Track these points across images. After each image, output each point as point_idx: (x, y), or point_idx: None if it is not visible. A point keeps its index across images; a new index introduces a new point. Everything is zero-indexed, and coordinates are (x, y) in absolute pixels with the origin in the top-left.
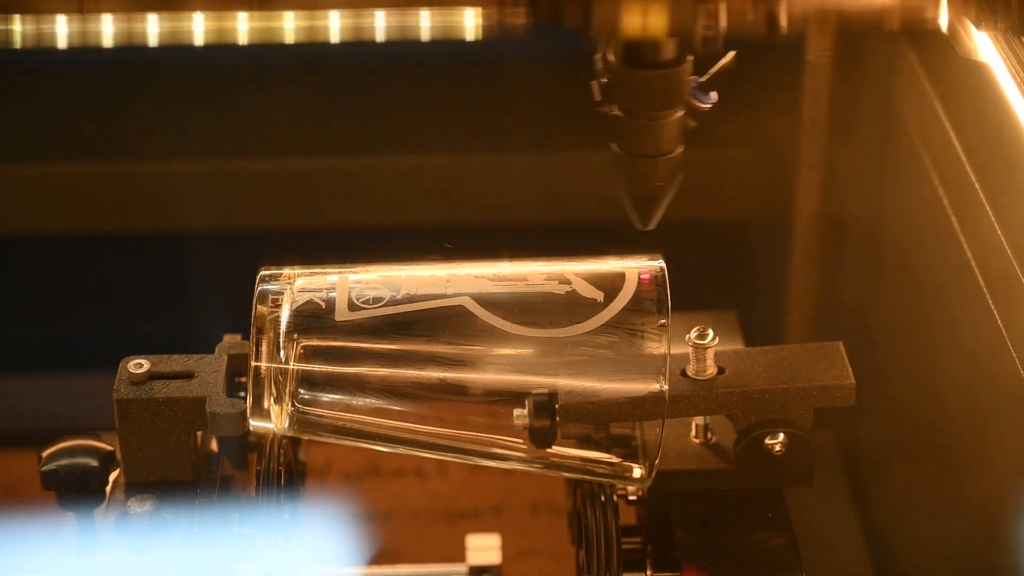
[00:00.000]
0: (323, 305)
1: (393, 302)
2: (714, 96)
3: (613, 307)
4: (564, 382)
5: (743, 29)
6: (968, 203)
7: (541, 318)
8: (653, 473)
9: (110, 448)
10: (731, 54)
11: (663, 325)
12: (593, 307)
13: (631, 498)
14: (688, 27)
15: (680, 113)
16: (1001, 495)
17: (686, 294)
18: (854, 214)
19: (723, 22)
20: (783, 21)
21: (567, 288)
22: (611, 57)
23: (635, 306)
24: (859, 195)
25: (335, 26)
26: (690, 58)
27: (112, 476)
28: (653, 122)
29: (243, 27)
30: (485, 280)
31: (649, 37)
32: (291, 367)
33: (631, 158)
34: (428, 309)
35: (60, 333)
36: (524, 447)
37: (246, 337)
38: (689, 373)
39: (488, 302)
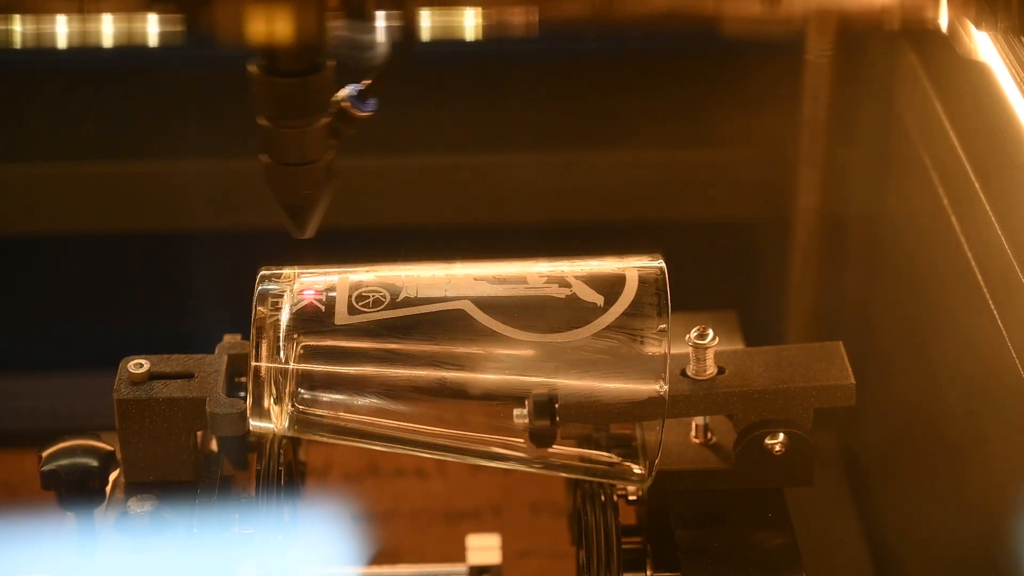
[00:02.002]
0: (323, 308)
1: (393, 305)
2: (373, 104)
3: (613, 311)
4: (564, 383)
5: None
6: (968, 203)
7: (541, 322)
8: (653, 473)
9: (110, 448)
10: (394, 63)
11: (663, 330)
12: (593, 311)
13: (631, 498)
14: (316, 33)
15: (325, 120)
16: (1001, 495)
17: (686, 294)
18: (854, 214)
19: (373, 27)
20: (418, 30)
21: (567, 292)
22: (251, 66)
23: (635, 310)
24: (859, 195)
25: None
26: (331, 64)
27: (112, 476)
28: (295, 131)
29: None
30: (485, 283)
31: (276, 45)
32: (291, 367)
33: (279, 167)
34: (428, 313)
35: (60, 333)
36: (524, 447)
37: (246, 337)
38: (689, 373)
39: (488, 306)
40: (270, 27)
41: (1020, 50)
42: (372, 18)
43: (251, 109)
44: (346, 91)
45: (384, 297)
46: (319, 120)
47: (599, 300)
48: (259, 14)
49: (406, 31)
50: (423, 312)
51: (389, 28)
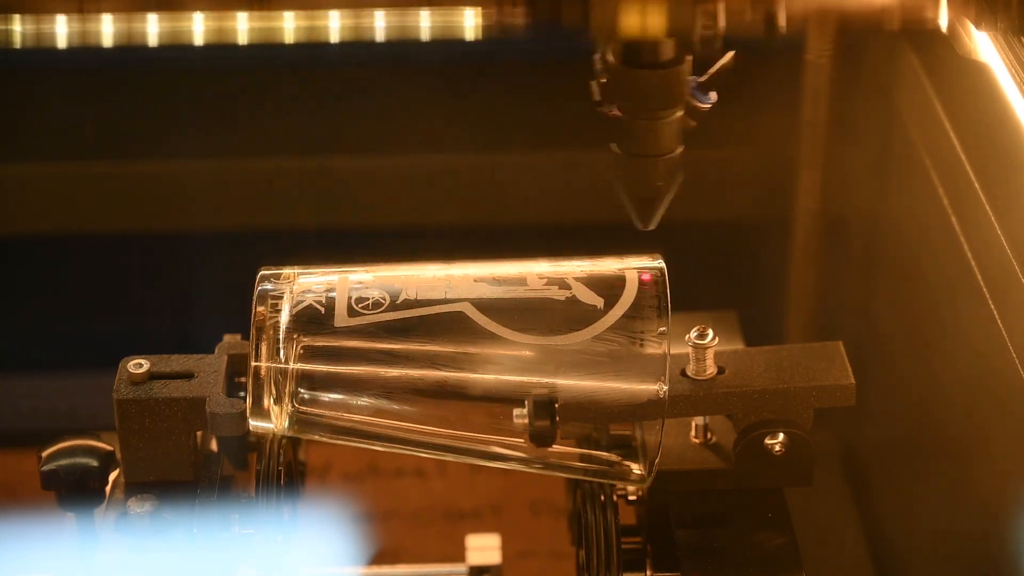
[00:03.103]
0: (323, 310)
1: (393, 307)
2: (713, 96)
3: (613, 314)
4: (564, 383)
5: (742, 29)
6: (968, 203)
7: (541, 325)
8: (653, 473)
9: (110, 448)
10: (730, 54)
11: (663, 332)
12: (593, 313)
13: (631, 498)
14: (687, 27)
15: (679, 113)
16: (1001, 495)
17: (686, 294)
18: (854, 214)
19: (722, 22)
20: (782, 21)
21: (567, 294)
22: (610, 57)
23: (635, 313)
24: (859, 195)
25: (335, 26)
26: (689, 58)
27: (112, 476)
28: (653, 122)
29: (243, 27)
30: (485, 284)
31: (648, 37)
32: (291, 367)
33: (631, 158)
34: (428, 315)
35: (60, 333)
36: (524, 447)
37: (246, 337)
38: (689, 373)
39: (488, 308)
40: (644, 19)
41: (1020, 50)
42: (722, 12)
43: (603, 100)
44: (690, 83)
45: (384, 299)
46: (675, 112)
47: (599, 302)
48: (635, 6)
49: (768, 23)
50: (423, 314)
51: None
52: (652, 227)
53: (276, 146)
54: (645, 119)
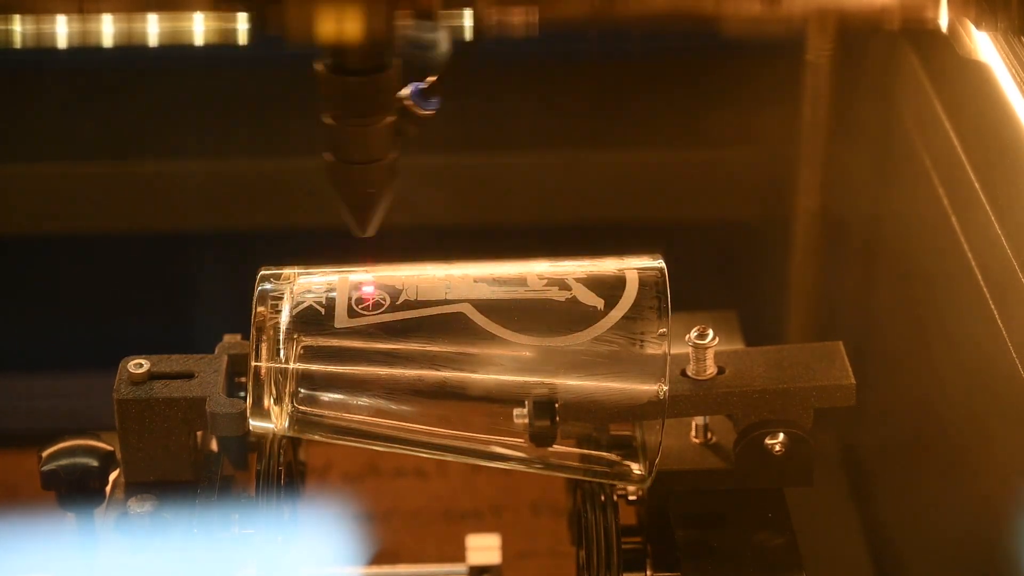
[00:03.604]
0: (323, 311)
1: (392, 308)
2: (436, 102)
3: (613, 315)
4: (564, 384)
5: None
6: (968, 203)
7: (541, 326)
8: (653, 473)
9: (110, 448)
10: (440, 70)
11: (663, 334)
12: (593, 315)
13: (631, 498)
14: (385, 32)
15: (390, 119)
16: (1001, 495)
17: (686, 294)
18: (854, 214)
19: (437, 25)
20: (489, 27)
21: (567, 295)
22: (318, 64)
23: (635, 313)
24: (859, 195)
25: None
26: (396, 62)
27: (112, 476)
28: (361, 129)
29: (243, 27)
30: (485, 285)
31: (345, 43)
32: (291, 367)
33: (342, 165)
34: (428, 316)
35: (60, 333)
36: (524, 447)
37: (246, 337)
38: (689, 373)
39: (488, 309)
40: (340, 25)
41: (1020, 50)
42: (438, 17)
43: (317, 107)
44: (408, 90)
45: (384, 300)
46: (384, 119)
47: (599, 303)
48: (330, 13)
49: (476, 29)
50: (423, 315)
51: (451, 27)
52: (370, 234)
53: (276, 146)
54: (352, 126)
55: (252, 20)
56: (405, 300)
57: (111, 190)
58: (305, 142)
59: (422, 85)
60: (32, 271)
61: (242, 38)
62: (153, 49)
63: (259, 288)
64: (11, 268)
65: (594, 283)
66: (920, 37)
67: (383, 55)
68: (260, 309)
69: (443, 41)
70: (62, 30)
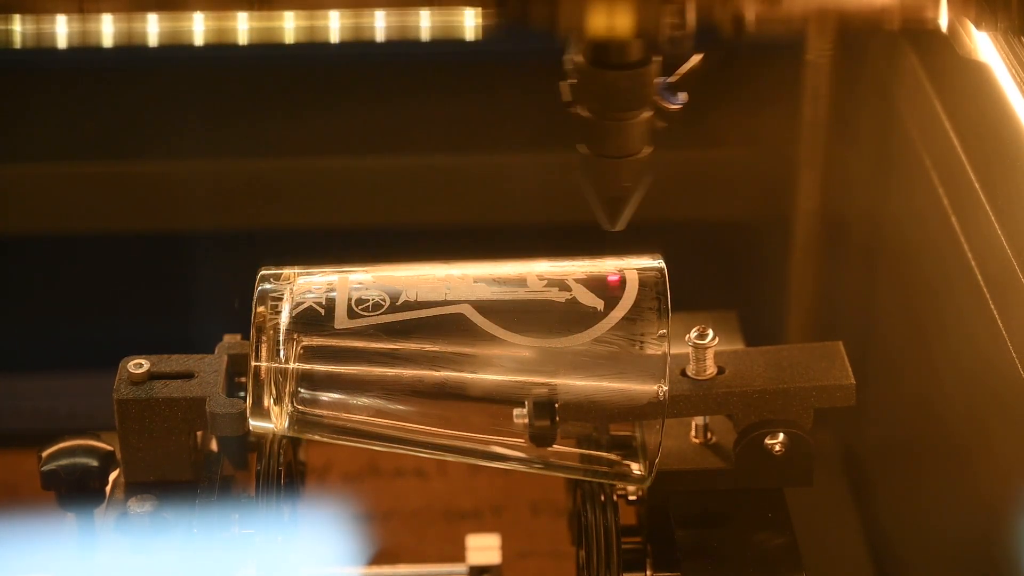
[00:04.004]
0: (323, 312)
1: (392, 309)
2: (683, 97)
3: (613, 316)
4: (564, 384)
5: (711, 29)
6: (968, 203)
7: (541, 327)
8: (653, 473)
9: (110, 448)
10: (698, 56)
11: (663, 335)
12: (593, 316)
13: (631, 498)
14: (653, 28)
15: (647, 114)
16: (1001, 495)
17: (686, 294)
18: (854, 214)
19: (691, 22)
20: (750, 21)
21: (567, 295)
22: (578, 57)
23: (635, 314)
24: (859, 195)
25: (335, 26)
26: (657, 59)
27: (112, 476)
28: (620, 123)
29: (243, 27)
30: (485, 286)
31: (615, 37)
32: (291, 367)
33: (598, 159)
34: (428, 317)
35: (60, 333)
36: (524, 447)
37: (246, 337)
38: (689, 373)
39: (488, 310)
40: (611, 20)
41: (1020, 50)
42: (685, 12)
43: (573, 100)
44: (658, 84)
45: (384, 301)
46: (642, 113)
47: (599, 304)
48: (602, 7)
49: (736, 23)
50: (423, 316)
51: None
52: (620, 228)
53: (276, 146)
54: (612, 120)
55: (506, 15)
56: (405, 301)
57: (111, 190)
58: (305, 142)
59: (670, 80)
60: (32, 271)
61: (242, 38)
62: (153, 49)
63: (259, 288)
64: (11, 268)
65: (594, 284)
66: (920, 37)
67: (648, 50)
68: (260, 309)
69: (689, 36)
70: (62, 30)
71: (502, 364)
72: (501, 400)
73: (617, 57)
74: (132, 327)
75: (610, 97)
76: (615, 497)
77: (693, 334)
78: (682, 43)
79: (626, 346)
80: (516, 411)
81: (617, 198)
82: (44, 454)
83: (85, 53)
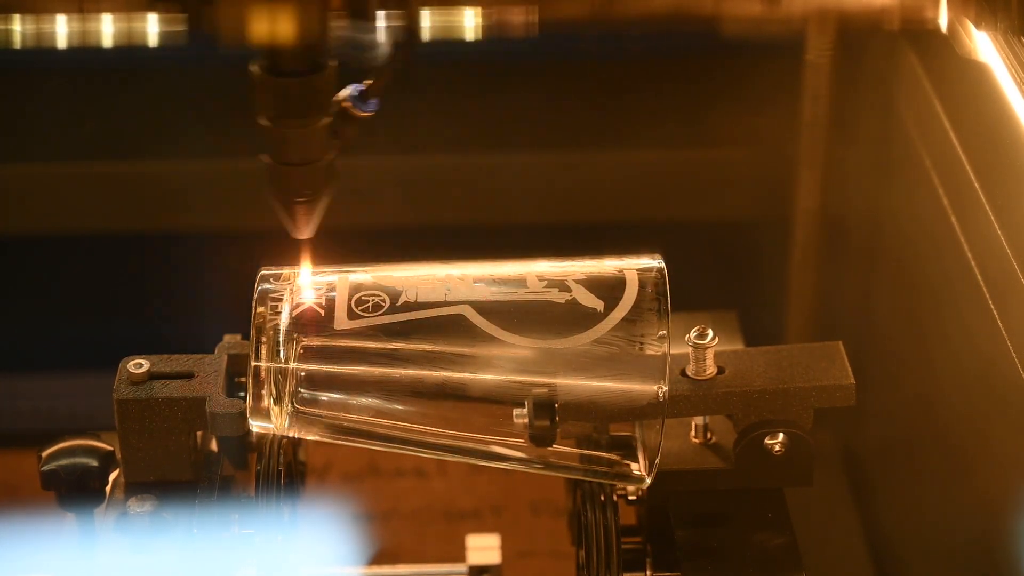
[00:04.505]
0: (323, 312)
1: (392, 310)
2: (375, 104)
3: (613, 317)
4: (564, 385)
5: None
6: (968, 203)
7: (541, 328)
8: (653, 473)
9: (110, 448)
10: (383, 71)
11: (663, 336)
12: (593, 316)
13: (631, 498)
14: (319, 33)
15: (326, 120)
16: (1001, 495)
17: (686, 294)
18: (854, 214)
19: (376, 27)
20: (418, 29)
21: (567, 296)
22: (252, 66)
23: (635, 315)
24: (859, 195)
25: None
26: (332, 64)
27: (112, 476)
28: (297, 130)
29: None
30: (485, 287)
31: (278, 44)
32: (291, 367)
33: (279, 167)
34: (428, 318)
35: (60, 333)
36: (524, 447)
37: (246, 337)
38: (689, 373)
39: (488, 311)
40: (273, 27)
41: (1020, 50)
42: (374, 18)
43: (252, 109)
44: (347, 91)
45: (384, 301)
46: (321, 120)
47: (599, 305)
48: (262, 14)
49: (408, 31)
50: (423, 317)
51: (390, 28)
52: (308, 235)
53: None
54: (288, 128)
55: (186, 21)
56: (405, 301)
57: (111, 190)
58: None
59: (360, 87)
60: (32, 271)
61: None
62: (153, 49)
63: (259, 288)
64: (11, 268)
65: (594, 284)
66: (920, 37)
67: (317, 56)
68: (260, 309)
69: (379, 42)
70: (62, 30)
71: (502, 365)
72: (501, 401)
73: (286, 63)
74: (132, 327)
75: (283, 105)
76: (615, 497)
77: (693, 334)
78: (373, 48)
79: (626, 347)
80: (516, 411)
81: (302, 205)
82: (44, 454)
83: (85, 53)
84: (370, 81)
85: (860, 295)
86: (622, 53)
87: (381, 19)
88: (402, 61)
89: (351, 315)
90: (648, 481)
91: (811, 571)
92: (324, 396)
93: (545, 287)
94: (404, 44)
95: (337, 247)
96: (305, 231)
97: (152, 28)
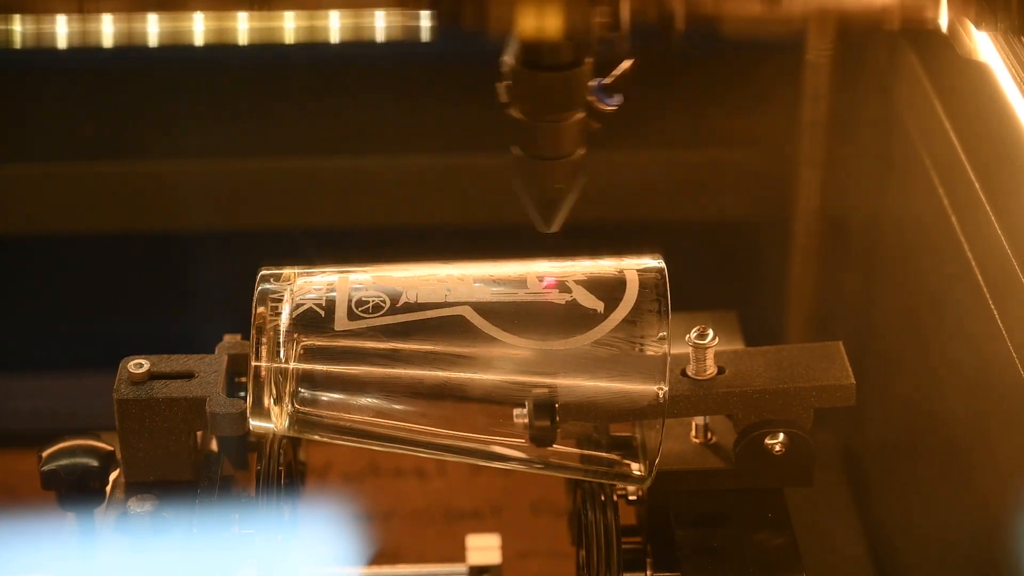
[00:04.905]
0: (323, 313)
1: (392, 310)
2: (618, 98)
3: (613, 318)
4: (564, 386)
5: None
6: (968, 203)
7: (541, 329)
8: (653, 473)
9: (110, 448)
10: (628, 61)
11: (663, 337)
12: (593, 318)
13: (631, 498)
14: (584, 29)
15: (580, 115)
16: (1001, 494)
17: (686, 294)
18: (854, 214)
19: (625, 23)
20: (679, 22)
21: (567, 297)
22: (510, 59)
23: (635, 316)
24: (859, 195)
25: (335, 26)
26: (590, 60)
27: (112, 476)
28: (553, 125)
29: (243, 27)
30: (485, 288)
31: (544, 39)
32: (291, 367)
33: (531, 160)
34: (428, 319)
35: (60, 333)
36: (524, 447)
37: (246, 337)
38: (689, 373)
39: (488, 312)
40: (541, 21)
41: (1020, 50)
42: (625, 13)
43: (505, 102)
44: (592, 85)
45: (384, 302)
46: (575, 115)
47: (599, 306)
48: (531, 8)
49: (663, 22)
50: (423, 318)
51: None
52: (554, 230)
53: (276, 146)
54: (545, 121)
55: (439, 15)
56: (405, 302)
57: (111, 190)
58: (305, 142)
59: (605, 81)
60: (32, 271)
61: (242, 38)
62: (153, 49)
63: (259, 288)
64: (11, 268)
65: (594, 285)
66: (920, 37)
67: (580, 52)
68: (260, 310)
69: (625, 36)
70: (62, 30)
71: (502, 366)
72: (501, 401)
73: (548, 58)
74: (132, 327)
75: (542, 99)
76: (615, 497)
77: (693, 334)
78: (617, 44)
79: (626, 348)
80: (516, 411)
81: (551, 200)
82: (44, 454)
83: (85, 53)
84: (614, 75)
85: (860, 295)
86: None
87: (624, 12)
88: (656, 52)
89: (351, 316)
90: (648, 481)
91: (811, 571)
92: (324, 396)
93: (545, 288)
94: (662, 35)
95: (337, 247)
96: (553, 225)
97: (152, 28)
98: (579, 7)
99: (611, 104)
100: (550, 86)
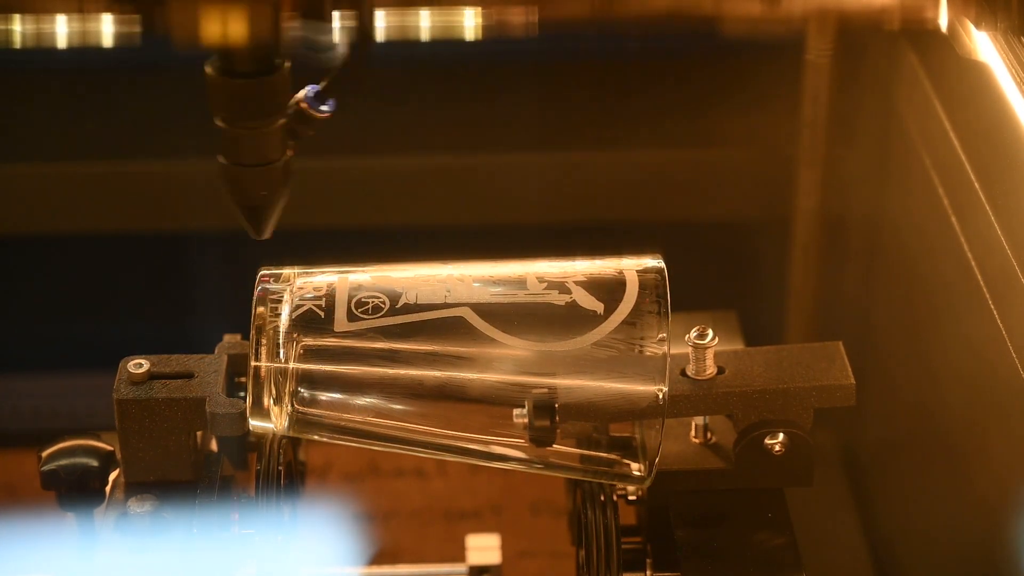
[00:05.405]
0: (322, 315)
1: (392, 312)
2: (331, 104)
3: (613, 319)
4: (564, 387)
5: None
6: (968, 203)
7: (541, 330)
8: (653, 473)
9: (110, 448)
10: (336, 68)
11: (663, 338)
12: (593, 319)
13: (631, 498)
14: (272, 34)
15: (281, 121)
16: (1001, 494)
17: (686, 294)
18: (854, 214)
19: (332, 28)
20: (371, 34)
21: (567, 299)
22: (207, 67)
23: (635, 318)
24: (859, 195)
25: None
26: (286, 65)
27: (112, 476)
28: (252, 131)
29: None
30: (484, 288)
31: (231, 45)
32: (291, 367)
33: (234, 168)
34: (428, 320)
35: (60, 333)
36: (524, 447)
37: (246, 337)
38: (689, 373)
39: (487, 313)
40: (225, 28)
41: (1020, 50)
42: (330, 18)
43: (208, 110)
44: (304, 92)
45: (384, 303)
46: (276, 121)
47: (599, 307)
48: (214, 14)
49: (361, 31)
50: (423, 319)
51: (346, 28)
52: (266, 236)
53: None
54: (244, 128)
55: (140, 22)
56: (405, 303)
57: (111, 190)
58: (305, 142)
59: (317, 87)
60: (32, 271)
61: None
62: (153, 49)
63: (259, 288)
64: (11, 268)
65: (594, 286)
66: (920, 37)
67: (270, 57)
68: (260, 310)
69: (336, 43)
70: (62, 30)
71: (502, 367)
72: (501, 402)
73: (239, 65)
74: (132, 327)
75: (238, 106)
76: (615, 497)
77: (693, 334)
78: (331, 49)
79: (626, 349)
80: (516, 411)
81: (257, 207)
82: (44, 454)
83: (85, 53)
84: (325, 81)
85: (860, 295)
86: (622, 53)
87: (337, 19)
88: (358, 62)
89: (351, 317)
90: (648, 481)
91: (811, 571)
92: (324, 396)
93: (545, 289)
94: (359, 45)
95: (337, 247)
96: (262, 233)
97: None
98: (264, 12)
99: (324, 111)
100: (245, 93)
